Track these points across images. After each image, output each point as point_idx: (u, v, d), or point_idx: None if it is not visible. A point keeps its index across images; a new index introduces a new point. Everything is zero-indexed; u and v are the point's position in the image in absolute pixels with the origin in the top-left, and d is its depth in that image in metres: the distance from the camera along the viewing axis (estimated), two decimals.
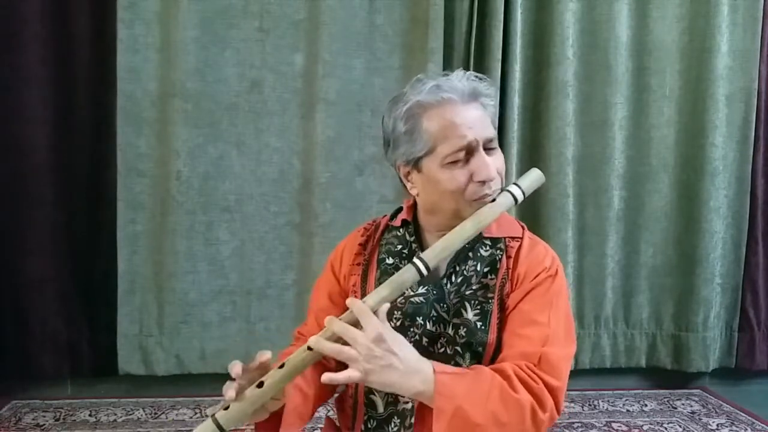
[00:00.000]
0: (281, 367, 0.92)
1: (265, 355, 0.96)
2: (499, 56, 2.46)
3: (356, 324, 0.92)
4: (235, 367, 0.93)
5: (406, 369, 0.92)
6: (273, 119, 2.47)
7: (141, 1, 2.35)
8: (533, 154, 2.62)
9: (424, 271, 0.96)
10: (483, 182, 1.03)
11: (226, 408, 0.91)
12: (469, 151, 1.03)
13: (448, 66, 2.48)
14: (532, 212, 2.56)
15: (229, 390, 0.91)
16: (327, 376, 0.91)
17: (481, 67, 2.48)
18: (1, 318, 2.38)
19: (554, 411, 0.97)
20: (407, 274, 0.96)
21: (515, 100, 2.52)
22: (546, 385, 0.97)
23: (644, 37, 2.63)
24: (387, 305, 0.94)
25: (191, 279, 2.45)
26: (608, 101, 2.60)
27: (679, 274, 2.71)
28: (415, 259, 0.97)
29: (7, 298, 2.38)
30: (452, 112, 1.02)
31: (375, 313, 0.93)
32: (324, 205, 2.48)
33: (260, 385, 0.91)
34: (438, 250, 0.98)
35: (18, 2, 2.29)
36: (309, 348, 0.92)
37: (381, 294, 0.94)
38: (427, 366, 0.94)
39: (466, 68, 2.43)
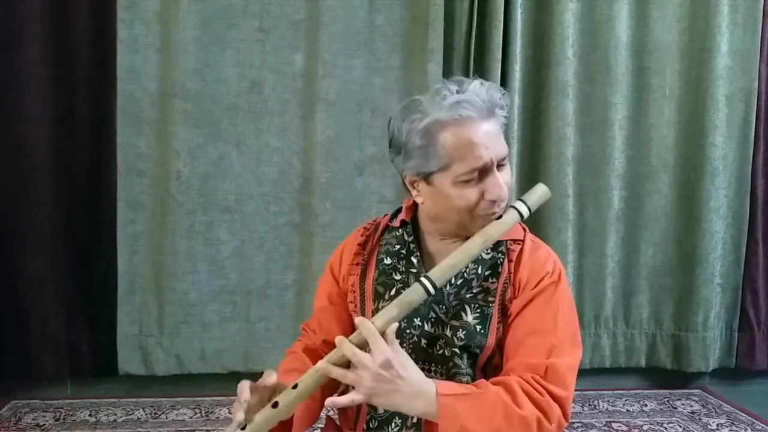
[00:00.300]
0: (294, 387, 0.95)
1: (271, 378, 0.98)
2: (499, 56, 2.46)
3: (365, 345, 0.94)
4: (244, 393, 0.95)
5: (410, 392, 0.93)
6: (273, 119, 2.46)
7: (141, 1, 2.35)
8: (533, 154, 2.62)
9: (432, 291, 0.97)
10: (494, 201, 1.04)
11: (243, 428, 0.94)
12: (484, 170, 1.03)
13: (447, 66, 2.48)
14: (532, 212, 2.56)
15: (239, 412, 0.93)
16: (330, 401, 0.95)
17: (481, 67, 2.48)
18: (1, 318, 2.38)
19: (561, 420, 0.98)
20: (415, 293, 0.97)
21: (515, 100, 2.52)
22: (552, 395, 0.97)
23: (644, 37, 2.62)
24: (395, 325, 0.95)
25: (191, 279, 2.45)
26: (608, 101, 2.60)
27: (679, 274, 2.70)
28: (422, 279, 0.97)
29: (7, 298, 2.38)
30: (470, 129, 1.01)
31: (383, 334, 0.94)
32: (324, 205, 2.48)
33: (275, 405, 0.94)
34: (445, 269, 0.98)
35: (18, 2, 2.29)
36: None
37: (389, 314, 0.96)
38: (430, 387, 0.95)
39: (466, 68, 2.46)
